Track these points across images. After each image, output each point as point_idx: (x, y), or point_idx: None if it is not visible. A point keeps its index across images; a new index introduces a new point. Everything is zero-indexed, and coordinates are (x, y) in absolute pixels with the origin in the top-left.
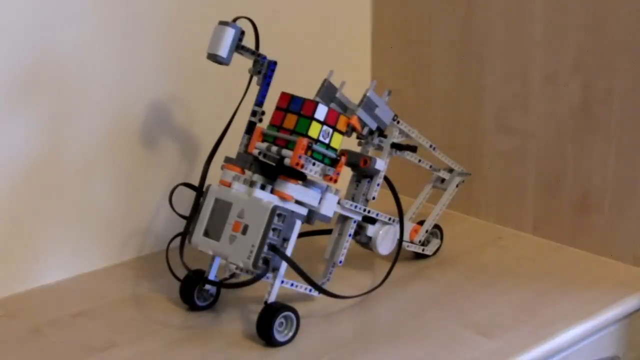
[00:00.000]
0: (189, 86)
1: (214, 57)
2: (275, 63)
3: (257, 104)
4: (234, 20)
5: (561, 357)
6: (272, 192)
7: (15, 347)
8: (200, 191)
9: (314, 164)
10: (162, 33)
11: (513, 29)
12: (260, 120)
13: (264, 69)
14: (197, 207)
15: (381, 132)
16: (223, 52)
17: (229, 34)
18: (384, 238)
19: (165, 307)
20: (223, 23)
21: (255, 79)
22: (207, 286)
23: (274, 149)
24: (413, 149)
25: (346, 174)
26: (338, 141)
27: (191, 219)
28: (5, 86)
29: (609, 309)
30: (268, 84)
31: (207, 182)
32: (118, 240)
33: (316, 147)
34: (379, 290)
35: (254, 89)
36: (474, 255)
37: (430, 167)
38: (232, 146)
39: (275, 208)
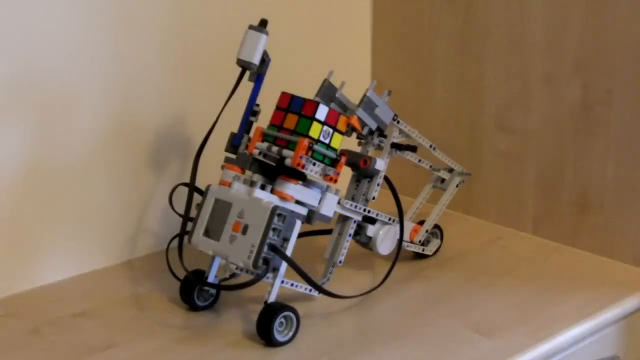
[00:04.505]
0: (185, 86)
1: (247, 64)
2: (269, 60)
3: (254, 103)
4: (264, 25)
5: (561, 357)
6: (272, 192)
7: (15, 347)
8: (193, 188)
9: (314, 164)
10: (157, 34)
11: (513, 29)
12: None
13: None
14: (190, 206)
15: (381, 132)
16: (257, 59)
17: (263, 41)
18: (384, 238)
19: (165, 307)
20: (255, 29)
21: (247, 74)
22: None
23: (275, 149)
24: (413, 149)
25: (346, 174)
26: (338, 141)
27: (186, 218)
28: (4, 87)
29: (609, 309)
30: (261, 81)
31: (204, 181)
32: (118, 240)
33: (317, 147)
34: (379, 290)
35: (243, 86)
36: (474, 255)
37: (430, 167)
38: (224, 141)
39: (275, 208)
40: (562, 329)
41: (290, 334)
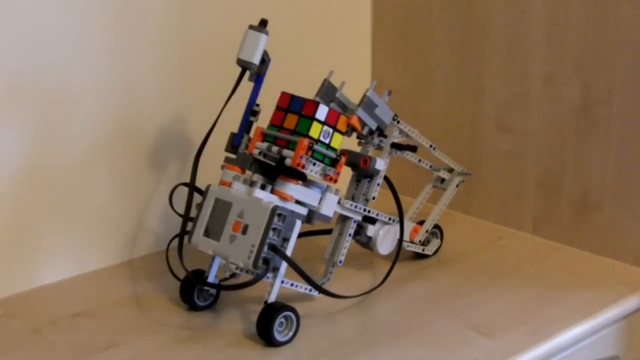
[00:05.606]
0: (185, 86)
1: (247, 64)
2: (269, 60)
3: (254, 103)
4: (264, 24)
5: (561, 357)
6: (272, 192)
7: (15, 347)
8: (193, 188)
9: (314, 164)
10: (157, 34)
11: (513, 29)
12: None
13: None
14: (190, 206)
15: (381, 132)
16: (257, 59)
17: (263, 41)
18: (384, 238)
19: (165, 307)
20: (255, 29)
21: (247, 74)
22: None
23: (275, 149)
24: (413, 148)
25: (346, 174)
26: (338, 141)
27: (186, 218)
28: (4, 87)
29: (609, 309)
30: (262, 81)
31: (204, 181)
32: (118, 240)
33: (317, 147)
34: (379, 290)
35: (243, 86)
36: (474, 255)
37: (430, 167)
38: (224, 141)
39: (275, 208)
40: (562, 329)
41: (290, 334)
